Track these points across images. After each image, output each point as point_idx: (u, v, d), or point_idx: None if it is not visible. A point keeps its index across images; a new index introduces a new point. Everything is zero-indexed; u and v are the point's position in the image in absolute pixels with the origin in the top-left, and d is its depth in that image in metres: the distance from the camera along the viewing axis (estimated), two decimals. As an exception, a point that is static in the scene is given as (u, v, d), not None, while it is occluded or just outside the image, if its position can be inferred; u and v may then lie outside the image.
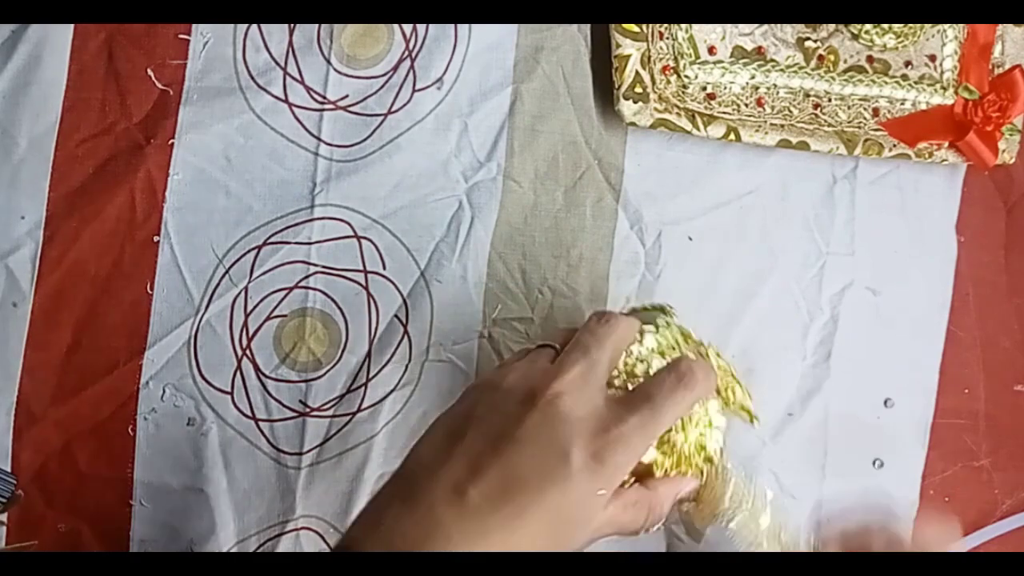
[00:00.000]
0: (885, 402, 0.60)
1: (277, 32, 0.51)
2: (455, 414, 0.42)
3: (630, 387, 0.43)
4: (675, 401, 0.40)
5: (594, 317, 0.44)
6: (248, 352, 0.50)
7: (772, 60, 0.57)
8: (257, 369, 0.51)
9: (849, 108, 0.58)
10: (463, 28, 0.53)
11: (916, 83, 0.60)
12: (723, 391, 0.47)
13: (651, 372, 0.44)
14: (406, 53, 0.52)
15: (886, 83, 0.59)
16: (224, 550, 0.50)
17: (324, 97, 0.52)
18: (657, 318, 0.47)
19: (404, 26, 0.52)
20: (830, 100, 0.58)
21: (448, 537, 0.37)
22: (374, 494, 0.41)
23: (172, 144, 0.50)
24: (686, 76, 0.55)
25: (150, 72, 0.50)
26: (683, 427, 0.43)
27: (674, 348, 0.46)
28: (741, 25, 0.56)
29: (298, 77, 0.51)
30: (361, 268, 0.52)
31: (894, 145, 0.58)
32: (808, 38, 0.58)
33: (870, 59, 0.59)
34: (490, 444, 0.39)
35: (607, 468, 0.38)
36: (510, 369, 0.43)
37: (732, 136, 0.55)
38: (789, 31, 0.57)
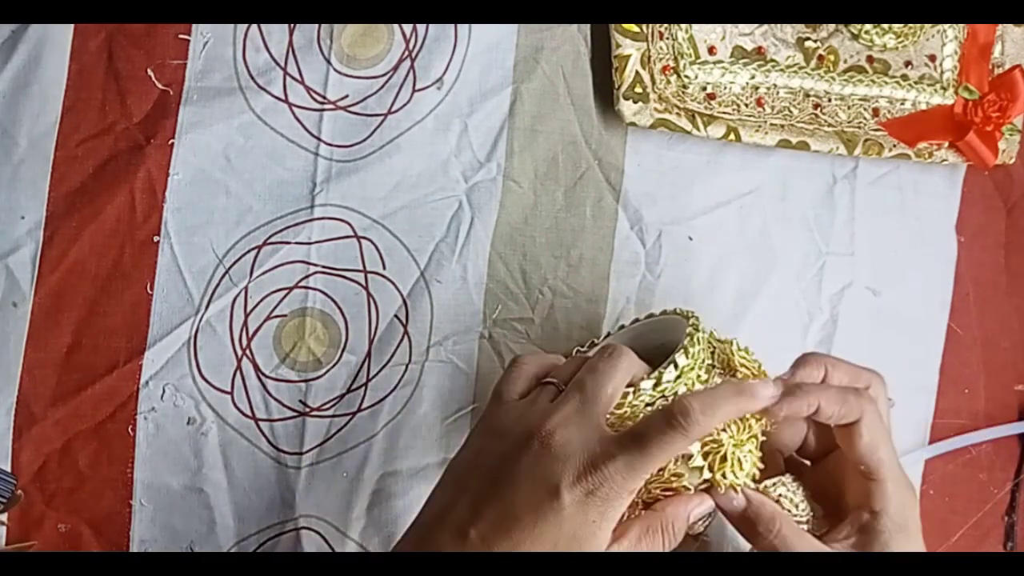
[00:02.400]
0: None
1: (277, 32, 0.51)
2: (462, 460, 0.45)
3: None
4: (664, 442, 0.41)
5: (599, 353, 0.45)
6: (248, 352, 0.50)
7: (772, 60, 0.57)
8: (257, 369, 0.51)
9: (849, 108, 0.58)
10: (463, 28, 0.53)
11: (916, 83, 0.60)
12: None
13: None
14: (406, 53, 0.52)
15: (886, 83, 0.59)
16: (224, 550, 0.50)
17: (324, 97, 0.52)
18: (685, 341, 0.45)
19: (404, 26, 0.52)
20: (830, 100, 0.58)
21: None
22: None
23: (172, 144, 0.50)
24: (686, 76, 0.55)
25: (150, 72, 0.50)
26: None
27: (700, 376, 0.45)
28: (741, 25, 0.56)
29: (298, 77, 0.51)
30: (361, 268, 0.52)
31: (894, 145, 0.58)
32: (808, 38, 0.58)
33: (870, 59, 0.59)
34: (490, 486, 0.41)
35: (595, 501, 0.40)
36: (511, 408, 0.45)
37: (732, 136, 0.55)
38: (789, 31, 0.57)
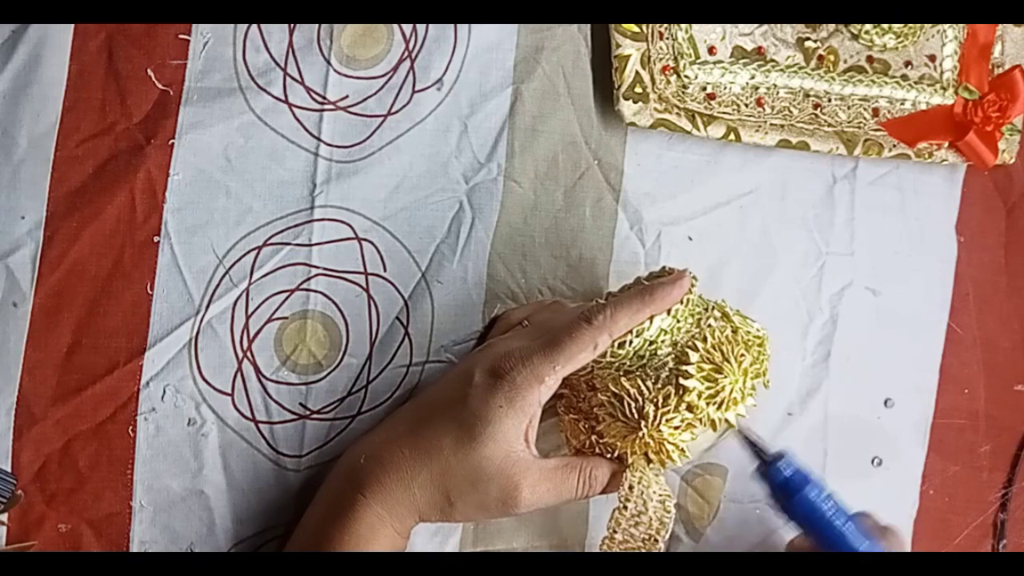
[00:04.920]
0: (885, 402, 0.60)
1: (277, 32, 0.51)
2: None
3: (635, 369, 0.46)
4: (577, 334, 0.43)
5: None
6: (249, 354, 0.50)
7: (772, 60, 0.57)
8: (258, 371, 0.51)
9: (849, 108, 0.58)
10: (463, 28, 0.53)
11: (916, 83, 0.60)
12: (754, 362, 0.47)
13: (658, 353, 0.46)
14: (406, 53, 0.52)
15: (886, 83, 0.59)
16: (223, 551, 0.50)
17: (324, 97, 0.52)
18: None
19: (404, 26, 0.52)
20: (830, 100, 0.58)
21: (370, 441, 0.47)
22: None
23: (172, 144, 0.50)
24: (686, 76, 0.55)
25: (150, 72, 0.50)
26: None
27: (688, 331, 0.47)
28: (741, 25, 0.56)
29: (298, 77, 0.51)
30: (362, 270, 0.52)
31: (894, 145, 0.58)
32: (808, 38, 0.58)
33: (870, 59, 0.59)
34: (423, 391, 0.49)
35: (503, 384, 0.43)
36: None
37: (732, 136, 0.55)
38: (789, 31, 0.57)
